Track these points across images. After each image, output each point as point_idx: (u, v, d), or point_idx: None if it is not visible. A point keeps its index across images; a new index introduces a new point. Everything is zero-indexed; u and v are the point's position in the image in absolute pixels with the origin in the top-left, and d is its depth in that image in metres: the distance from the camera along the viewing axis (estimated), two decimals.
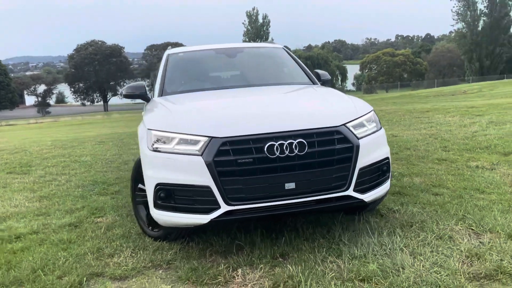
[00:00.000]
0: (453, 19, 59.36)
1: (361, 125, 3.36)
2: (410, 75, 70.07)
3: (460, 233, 3.36)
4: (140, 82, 4.57)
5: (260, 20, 64.71)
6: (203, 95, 4.16)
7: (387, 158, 3.50)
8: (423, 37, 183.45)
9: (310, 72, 4.80)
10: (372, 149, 3.33)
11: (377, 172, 3.40)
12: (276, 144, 3.01)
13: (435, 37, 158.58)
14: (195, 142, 3.12)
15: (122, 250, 3.51)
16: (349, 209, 3.87)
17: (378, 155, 3.39)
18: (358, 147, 3.19)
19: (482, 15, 57.43)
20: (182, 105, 3.77)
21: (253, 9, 64.49)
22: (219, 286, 2.86)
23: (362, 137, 3.27)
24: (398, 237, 3.35)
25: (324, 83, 4.70)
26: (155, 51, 73.35)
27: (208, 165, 2.99)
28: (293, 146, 3.03)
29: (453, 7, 59.81)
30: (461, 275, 2.72)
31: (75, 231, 4.05)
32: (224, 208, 3.02)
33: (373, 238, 3.37)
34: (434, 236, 3.31)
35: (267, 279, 2.86)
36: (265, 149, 3.00)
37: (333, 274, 2.84)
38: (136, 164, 3.87)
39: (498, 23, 56.46)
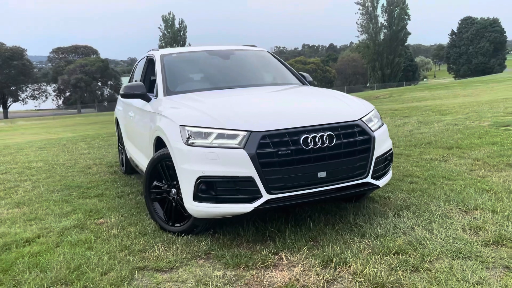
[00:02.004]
0: (358, 31, 64.03)
1: (370, 119, 3.79)
2: (321, 82, 73.92)
3: (453, 212, 3.91)
4: (138, 82, 4.59)
5: (177, 25, 64.18)
6: (215, 94, 4.32)
7: (391, 149, 3.97)
8: (327, 46, 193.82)
9: (297, 73, 5.17)
10: (382, 141, 3.77)
11: (386, 161, 3.85)
12: (310, 136, 3.32)
13: (338, 47, 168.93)
14: (234, 136, 3.31)
15: (151, 246, 3.56)
16: (349, 197, 4.28)
17: (386, 146, 3.85)
18: (374, 138, 3.62)
19: (383, 27, 62.61)
20: (202, 102, 3.91)
21: (169, 13, 63.80)
22: (270, 269, 3.08)
23: (375, 130, 3.70)
24: (405, 218, 3.81)
25: (309, 83, 5.11)
26: (62, 54, 69.28)
27: (252, 157, 3.21)
28: (324, 138, 3.36)
29: (358, 19, 64.56)
30: (474, 243, 3.22)
31: (86, 232, 3.99)
32: (265, 196, 3.25)
33: (384, 219, 3.79)
34: (435, 215, 3.82)
35: (313, 259, 3.13)
36: (301, 141, 3.29)
37: (368, 250, 3.20)
38: (152, 161, 3.92)
39: (396, 35, 61.92)
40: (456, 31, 74.53)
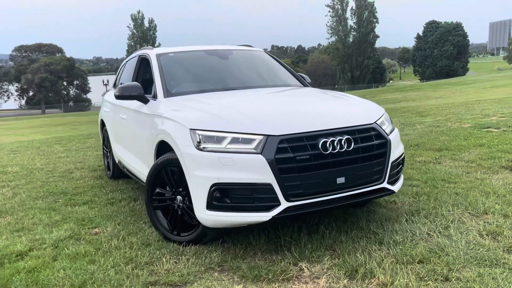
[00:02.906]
0: (328, 33, 64.82)
1: (383, 123, 3.69)
2: None
3: (464, 216, 3.86)
4: (135, 83, 4.33)
5: (146, 24, 63.11)
6: (220, 95, 4.12)
7: (403, 153, 3.88)
8: (295, 48, 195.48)
9: (297, 74, 5.04)
10: (396, 145, 3.67)
11: (399, 166, 3.75)
12: (328, 141, 3.17)
13: (306, 49, 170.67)
14: (249, 141, 3.13)
15: (158, 258, 3.33)
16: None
17: (399, 150, 3.76)
18: (390, 142, 3.51)
19: (352, 30, 63.59)
20: (210, 104, 3.71)
21: (138, 12, 62.63)
22: (292, 281, 2.91)
23: (389, 134, 3.60)
24: (418, 223, 3.73)
25: (309, 85, 4.99)
26: (25, 53, 66.87)
27: (270, 163, 3.03)
28: (342, 143, 3.23)
29: (328, 22, 65.29)
30: (496, 249, 3.16)
31: (83, 243, 3.71)
32: (284, 204, 3.08)
33: (398, 225, 3.70)
34: (448, 221, 3.75)
35: (336, 270, 2.99)
36: (320, 146, 3.15)
37: (391, 259, 3.09)
38: (155, 167, 3.69)
39: (365, 37, 63.04)
40: (421, 34, 76.49)
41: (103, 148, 6.51)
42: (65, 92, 72.23)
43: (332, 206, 3.25)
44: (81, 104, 68.85)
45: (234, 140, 3.16)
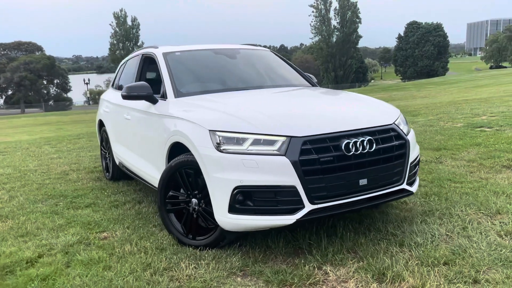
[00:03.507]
0: (312, 33, 65.03)
1: (400, 123, 3.66)
2: None
3: (479, 216, 3.86)
4: (143, 82, 4.21)
5: (129, 23, 62.29)
6: (234, 95, 4.03)
7: (419, 154, 3.86)
8: (278, 47, 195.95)
9: (304, 74, 4.99)
10: (413, 145, 3.65)
11: (416, 167, 3.73)
12: (351, 142, 3.13)
13: (289, 48, 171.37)
14: (272, 142, 3.07)
15: (176, 263, 3.23)
16: None
17: (416, 151, 3.74)
18: (408, 143, 3.49)
19: (336, 30, 63.97)
20: (226, 105, 3.62)
21: (121, 10, 61.77)
22: (319, 285, 2.86)
23: (407, 134, 3.57)
24: (434, 224, 3.71)
25: (316, 84, 4.95)
26: (4, 51, 65.37)
27: (294, 165, 2.97)
28: (364, 144, 3.18)
29: (311, 21, 65.48)
30: None
31: (93, 248, 3.59)
32: (308, 207, 3.02)
33: (415, 226, 3.67)
34: (464, 221, 3.74)
35: (362, 273, 2.94)
36: (343, 147, 3.10)
37: (416, 261, 3.06)
38: (169, 169, 3.60)
39: (348, 37, 63.49)
40: (403, 35, 77.44)
41: (101, 149, 6.35)
42: (45, 91, 70.88)
43: (355, 208, 3.20)
44: (62, 103, 67.63)
45: (256, 142, 3.09)
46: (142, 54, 5.08)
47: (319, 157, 3.03)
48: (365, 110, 3.70)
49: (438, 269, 2.93)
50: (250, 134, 3.10)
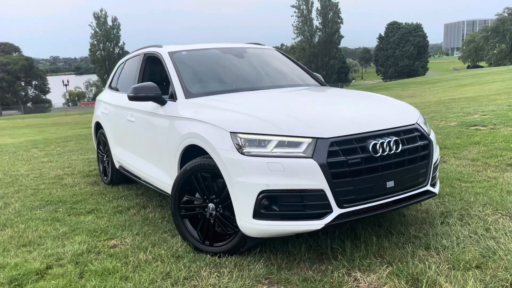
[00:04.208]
0: (294, 33, 65.22)
1: (421, 123, 3.58)
2: None
3: (498, 217, 3.80)
4: (150, 83, 4.03)
5: (110, 23, 61.43)
6: (249, 96, 3.89)
7: (439, 155, 3.79)
8: None
9: (313, 73, 4.89)
10: (435, 146, 3.57)
11: (438, 167, 3.65)
12: (378, 142, 3.03)
13: None
14: (297, 144, 2.94)
15: (196, 272, 3.08)
16: None
17: (438, 152, 3.66)
18: (432, 143, 3.41)
19: (318, 30, 64.27)
20: (244, 106, 3.48)
21: (101, 10, 60.88)
22: None
23: (429, 134, 3.49)
24: (456, 225, 3.63)
25: (326, 84, 4.85)
26: None
27: (322, 168, 2.85)
28: (391, 144, 3.09)
29: (294, 22, 65.63)
30: None
31: (105, 257, 3.40)
32: (336, 211, 2.91)
33: (439, 228, 3.59)
34: (486, 222, 3.67)
35: (395, 279, 2.83)
36: (370, 148, 2.99)
37: (447, 265, 2.97)
38: (183, 173, 3.44)
39: (330, 37, 63.85)
40: (383, 35, 78.32)
41: (98, 152, 6.13)
42: (23, 93, 69.31)
43: (383, 211, 3.10)
44: (41, 105, 66.30)
45: (280, 144, 2.96)
46: (144, 54, 4.89)
47: (347, 159, 2.92)
48: (386, 110, 3.61)
49: (472, 273, 2.84)
50: (275, 135, 2.97)
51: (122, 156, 5.13)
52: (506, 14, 76.48)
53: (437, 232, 3.52)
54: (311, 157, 2.87)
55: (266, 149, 2.95)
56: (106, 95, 5.84)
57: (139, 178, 4.72)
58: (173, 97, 3.97)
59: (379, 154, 3.01)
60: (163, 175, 4.03)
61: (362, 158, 2.97)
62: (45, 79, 73.56)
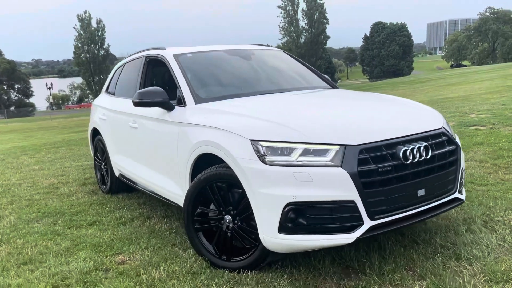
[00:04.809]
0: (280, 33, 65.09)
1: (446, 127, 3.42)
2: None
3: None
4: (157, 87, 3.81)
5: (94, 25, 60.61)
6: (263, 100, 3.69)
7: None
8: None
9: (322, 75, 4.71)
10: (462, 150, 3.42)
11: (464, 173, 3.50)
12: (409, 149, 2.86)
13: None
14: (323, 152, 2.75)
15: None
16: None
17: (463, 156, 3.50)
18: (460, 148, 3.25)
19: (304, 31, 64.30)
20: (259, 111, 3.28)
21: (85, 12, 59.96)
22: None
23: (455, 139, 3.34)
24: (482, 233, 3.48)
25: (337, 86, 4.68)
26: None
27: (353, 177, 2.67)
28: (421, 150, 2.92)
29: (280, 23, 65.57)
30: None
31: (114, 275, 3.17)
32: (368, 223, 2.72)
33: (464, 237, 3.44)
34: None
35: None
36: (400, 155, 2.82)
37: (483, 278, 2.81)
38: (197, 183, 3.23)
39: (317, 38, 63.90)
40: (368, 35, 78.78)
41: (95, 160, 5.86)
42: (5, 97, 67.98)
43: (414, 221, 2.92)
44: (24, 109, 65.12)
45: (305, 152, 2.76)
46: (146, 57, 4.66)
47: (378, 167, 2.74)
48: (411, 113, 3.44)
49: (508, 286, 2.69)
50: (299, 143, 2.78)
51: (123, 164, 4.89)
52: (488, 14, 77.58)
53: (464, 240, 3.36)
54: (340, 166, 2.69)
55: (290, 158, 2.76)
56: (104, 100, 5.58)
57: (143, 188, 4.48)
58: (181, 103, 3.75)
59: (409, 161, 2.84)
60: (171, 185, 3.81)
61: (393, 166, 2.80)
62: (28, 83, 72.31)
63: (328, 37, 65.45)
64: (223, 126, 3.10)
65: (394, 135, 2.90)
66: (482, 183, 4.82)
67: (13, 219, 4.72)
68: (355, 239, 2.70)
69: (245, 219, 3.05)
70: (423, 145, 2.93)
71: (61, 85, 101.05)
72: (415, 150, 2.88)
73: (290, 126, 2.90)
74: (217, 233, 3.22)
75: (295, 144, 2.78)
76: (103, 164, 5.63)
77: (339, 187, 2.67)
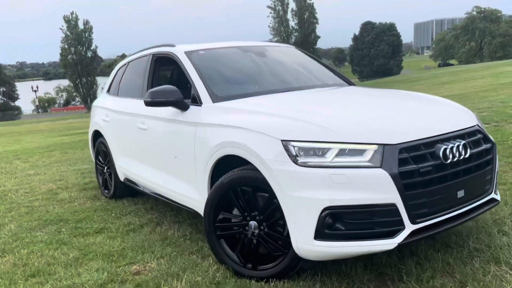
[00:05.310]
0: (270, 34, 65.03)
1: (481, 124, 3.27)
2: None
3: None
4: (170, 86, 3.59)
5: (81, 26, 59.86)
6: (286, 98, 3.49)
7: None
8: None
9: (338, 72, 4.55)
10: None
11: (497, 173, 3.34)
12: (448, 147, 2.69)
13: None
14: (360, 152, 2.57)
15: None
16: None
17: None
18: (495, 146, 3.10)
19: (294, 31, 64.30)
20: (288, 110, 3.08)
21: (72, 13, 59.23)
22: None
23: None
24: None
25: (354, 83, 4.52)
26: None
27: (394, 178, 2.48)
28: (460, 149, 2.75)
29: (270, 23, 65.51)
30: None
31: (132, 286, 2.95)
32: (409, 227, 2.54)
33: (497, 239, 3.28)
34: None
35: None
36: (440, 154, 2.65)
37: None
38: (219, 187, 3.03)
39: (307, 38, 63.96)
40: (358, 35, 79.00)
41: (97, 164, 5.61)
42: None
43: (454, 224, 2.75)
44: (10, 112, 64.07)
45: (341, 152, 2.58)
46: (153, 54, 4.44)
47: (419, 167, 2.56)
48: (445, 110, 3.27)
49: None
50: (334, 143, 2.59)
51: (129, 168, 4.66)
52: (475, 13, 78.35)
53: (498, 243, 3.20)
54: (380, 167, 2.51)
55: (325, 158, 2.57)
56: (106, 100, 5.34)
57: (153, 192, 4.25)
58: (196, 102, 3.54)
59: (449, 160, 2.67)
60: (186, 189, 3.59)
61: (433, 166, 2.62)
62: (13, 86, 71.23)
63: (318, 37, 65.54)
64: (249, 126, 2.90)
65: (432, 133, 2.73)
66: (501, 182, 4.68)
67: (14, 228, 4.46)
68: (396, 244, 2.51)
69: (272, 225, 2.86)
70: (461, 144, 2.76)
71: (47, 87, 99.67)
72: (454, 148, 2.71)
73: (323, 125, 2.71)
74: (242, 240, 3.02)
75: (330, 144, 2.59)
76: (105, 168, 5.38)
77: (380, 189, 2.48)
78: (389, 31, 74.67)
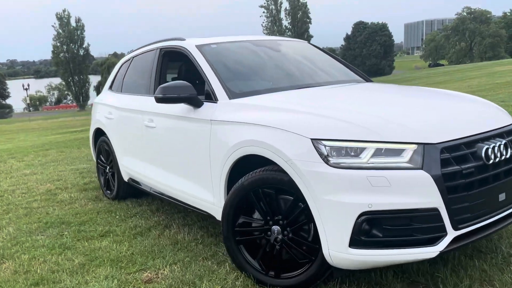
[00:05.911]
0: (264, 33, 64.74)
1: None
2: None
3: None
4: (182, 81, 3.37)
5: (73, 24, 59.17)
6: (308, 94, 3.29)
7: None
8: None
9: (354, 68, 4.37)
10: None
11: None
12: (490, 147, 2.50)
13: None
14: (398, 152, 2.37)
15: None
16: None
17: None
18: None
19: (287, 30, 64.17)
20: (315, 106, 2.86)
21: (64, 11, 58.53)
22: None
23: None
24: None
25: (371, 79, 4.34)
26: None
27: (437, 181, 2.29)
28: (501, 149, 2.57)
29: (263, 22, 65.32)
30: None
31: None
32: (451, 234, 2.35)
33: None
34: None
35: None
36: (483, 154, 2.47)
37: None
38: (239, 189, 2.82)
39: (300, 37, 63.80)
40: (350, 35, 79.06)
41: (99, 163, 5.37)
42: None
43: (495, 229, 2.57)
44: (1, 111, 63.22)
45: (377, 152, 2.38)
46: (160, 49, 4.21)
47: (462, 168, 2.38)
48: (480, 108, 3.09)
49: None
50: (370, 142, 2.39)
51: (135, 168, 4.43)
52: (465, 13, 78.78)
53: None
54: (421, 168, 2.31)
55: (360, 159, 2.37)
56: (109, 97, 5.10)
57: (160, 193, 4.03)
58: (211, 98, 3.33)
59: (491, 161, 2.49)
60: (201, 191, 3.38)
61: (476, 167, 2.44)
62: (4, 84, 70.25)
63: (312, 37, 65.47)
64: (273, 124, 2.69)
65: (472, 131, 2.55)
66: None
67: (12, 231, 4.21)
68: (438, 252, 2.32)
69: (297, 230, 2.66)
70: (502, 143, 2.58)
71: (38, 86, 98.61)
72: (496, 148, 2.53)
73: (355, 122, 2.51)
74: (264, 246, 2.81)
75: (365, 143, 2.39)
76: (107, 168, 5.15)
77: (422, 192, 2.29)
78: (381, 31, 74.79)
